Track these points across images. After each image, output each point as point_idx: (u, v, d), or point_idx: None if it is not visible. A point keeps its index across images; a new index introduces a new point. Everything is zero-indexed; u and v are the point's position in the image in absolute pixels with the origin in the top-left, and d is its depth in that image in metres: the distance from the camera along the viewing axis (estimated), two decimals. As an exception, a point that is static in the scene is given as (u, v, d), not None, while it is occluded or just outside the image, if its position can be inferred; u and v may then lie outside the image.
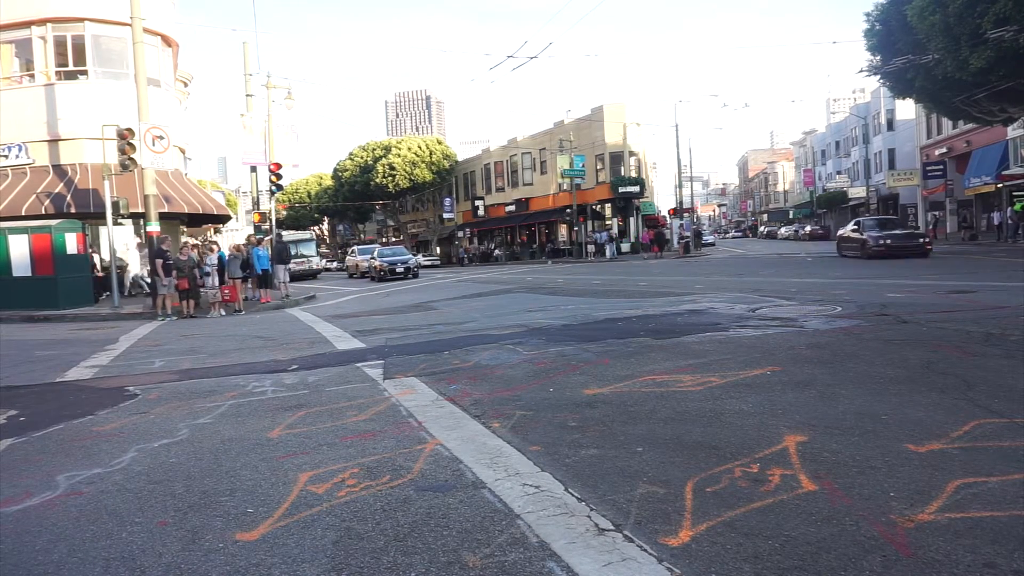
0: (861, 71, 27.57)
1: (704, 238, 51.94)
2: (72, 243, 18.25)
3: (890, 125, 54.72)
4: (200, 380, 7.59)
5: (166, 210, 21.12)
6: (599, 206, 47.60)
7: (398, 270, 31.44)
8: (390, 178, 55.94)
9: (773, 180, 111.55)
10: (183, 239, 25.68)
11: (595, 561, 2.77)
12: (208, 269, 16.78)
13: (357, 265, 38.73)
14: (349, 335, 10.95)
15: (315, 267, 42.63)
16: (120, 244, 20.26)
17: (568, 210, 43.56)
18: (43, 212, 20.55)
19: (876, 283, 14.34)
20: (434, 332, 10.65)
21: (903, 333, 7.73)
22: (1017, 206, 30.01)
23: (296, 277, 37.23)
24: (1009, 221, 30.30)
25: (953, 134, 41.73)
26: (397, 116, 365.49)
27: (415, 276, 32.23)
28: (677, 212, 49.12)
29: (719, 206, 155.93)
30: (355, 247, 46.49)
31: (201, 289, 17.15)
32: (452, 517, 3.32)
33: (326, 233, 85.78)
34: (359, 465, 4.21)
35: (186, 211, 23.19)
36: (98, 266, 21.25)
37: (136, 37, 17.80)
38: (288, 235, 43.01)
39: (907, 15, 21.82)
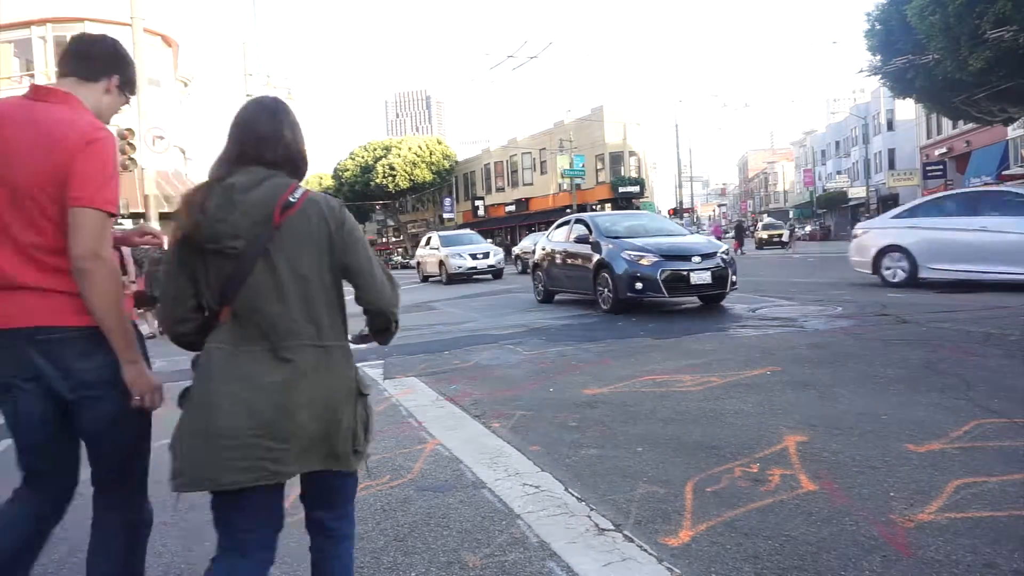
0: (861, 71, 27.60)
1: None
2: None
3: (890, 125, 54.81)
4: (200, 380, 7.56)
5: (166, 210, 21.12)
6: (599, 206, 47.60)
7: (480, 267, 22.19)
8: (390, 178, 55.95)
9: (773, 180, 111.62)
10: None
11: (595, 561, 2.77)
12: None
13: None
14: (349, 335, 10.92)
15: None
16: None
17: (568, 210, 43.55)
18: (43, 212, 20.55)
19: (876, 283, 14.33)
20: (434, 332, 10.64)
21: (903, 333, 7.72)
22: None
23: None
24: None
25: (953, 134, 41.76)
26: (397, 116, 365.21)
27: (499, 277, 23.96)
28: (677, 212, 49.14)
29: (719, 206, 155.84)
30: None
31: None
32: (452, 517, 3.32)
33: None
34: (359, 465, 4.21)
35: (186, 211, 23.19)
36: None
37: (136, 37, 17.79)
38: None
39: (907, 15, 21.85)
